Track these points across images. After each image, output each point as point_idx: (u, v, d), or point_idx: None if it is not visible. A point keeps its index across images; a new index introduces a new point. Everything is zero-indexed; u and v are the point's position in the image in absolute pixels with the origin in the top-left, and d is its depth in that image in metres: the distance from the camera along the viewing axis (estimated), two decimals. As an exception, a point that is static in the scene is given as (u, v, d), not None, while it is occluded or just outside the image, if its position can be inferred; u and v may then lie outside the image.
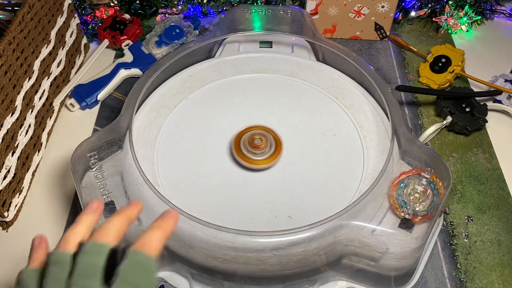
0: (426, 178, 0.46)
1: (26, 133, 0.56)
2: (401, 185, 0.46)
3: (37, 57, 0.57)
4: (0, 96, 0.49)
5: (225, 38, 0.64)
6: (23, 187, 0.56)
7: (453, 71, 0.68)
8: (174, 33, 0.72)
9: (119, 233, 0.30)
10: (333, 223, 0.43)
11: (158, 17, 0.79)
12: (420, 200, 0.45)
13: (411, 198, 0.45)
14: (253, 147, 0.49)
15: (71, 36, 0.67)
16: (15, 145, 0.53)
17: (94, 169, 0.48)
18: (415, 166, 0.48)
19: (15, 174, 0.53)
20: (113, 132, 0.51)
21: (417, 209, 0.45)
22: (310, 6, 0.73)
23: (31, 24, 0.55)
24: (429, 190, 0.46)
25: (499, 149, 0.62)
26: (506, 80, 0.66)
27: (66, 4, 0.65)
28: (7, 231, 0.54)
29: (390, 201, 0.46)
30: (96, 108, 0.67)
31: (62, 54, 0.65)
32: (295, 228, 0.42)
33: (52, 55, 0.62)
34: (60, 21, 0.64)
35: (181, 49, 0.60)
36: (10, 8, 0.62)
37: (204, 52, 0.64)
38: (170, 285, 0.50)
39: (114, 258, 0.28)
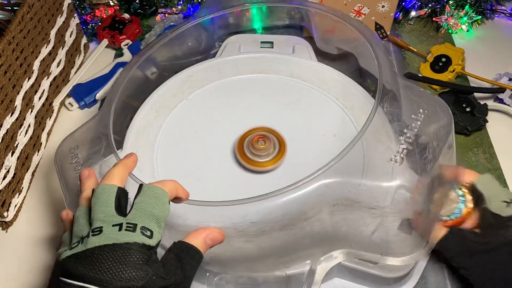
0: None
1: (26, 133, 0.56)
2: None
3: (36, 57, 0.57)
4: (0, 96, 0.49)
5: (225, 38, 0.64)
6: (22, 187, 0.56)
7: (453, 70, 0.68)
8: (174, 33, 0.72)
9: (122, 178, 0.36)
10: (318, 179, 0.42)
11: (158, 17, 0.79)
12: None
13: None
14: (257, 149, 0.49)
15: (70, 36, 0.67)
16: (15, 145, 0.53)
17: (74, 162, 0.48)
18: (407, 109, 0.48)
19: (14, 174, 0.53)
20: (97, 127, 0.51)
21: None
22: (310, 5, 0.72)
23: (30, 24, 0.55)
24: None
25: (499, 149, 0.62)
26: (510, 79, 0.66)
27: (65, 4, 0.65)
28: (6, 231, 0.54)
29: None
30: (96, 107, 0.67)
31: (61, 53, 0.64)
32: (281, 189, 0.41)
33: (52, 55, 0.62)
34: (60, 21, 0.64)
35: (167, 33, 0.59)
36: (9, 8, 0.62)
37: (204, 52, 0.63)
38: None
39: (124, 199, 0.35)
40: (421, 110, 0.47)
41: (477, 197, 0.44)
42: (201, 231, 0.37)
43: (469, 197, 0.45)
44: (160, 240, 0.34)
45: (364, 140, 0.47)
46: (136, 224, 0.32)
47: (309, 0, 0.63)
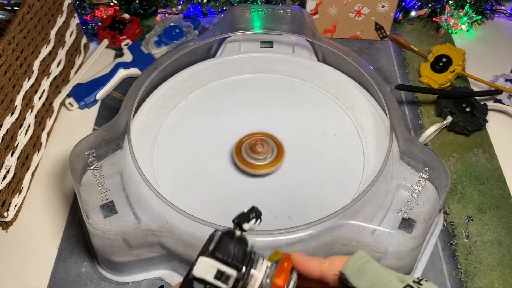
0: None
1: (26, 133, 0.56)
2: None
3: (36, 57, 0.57)
4: (0, 96, 0.49)
5: (225, 38, 0.64)
6: (22, 187, 0.56)
7: (453, 71, 0.68)
8: (173, 33, 0.72)
9: None
10: (331, 222, 0.43)
11: (158, 17, 0.79)
12: None
13: None
14: (255, 153, 0.49)
15: (70, 36, 0.67)
16: (15, 145, 0.53)
17: (92, 167, 0.48)
18: (414, 166, 0.48)
19: (14, 174, 0.53)
20: (112, 131, 0.51)
21: None
22: (310, 5, 0.73)
23: (30, 24, 0.55)
24: None
25: (499, 149, 0.62)
26: (506, 80, 0.66)
27: (65, 4, 0.65)
28: (6, 231, 0.54)
29: None
30: (96, 108, 0.67)
31: (61, 54, 0.65)
32: (293, 227, 0.42)
33: (52, 55, 0.62)
34: (60, 21, 0.64)
35: (180, 48, 0.60)
36: (9, 8, 0.62)
37: (203, 52, 0.63)
38: (169, 284, 0.50)
39: None
40: (426, 169, 0.47)
41: None
42: None
43: None
44: None
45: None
46: None
47: (322, 37, 0.64)
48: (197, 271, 0.29)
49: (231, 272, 0.29)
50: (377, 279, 0.28)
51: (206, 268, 0.29)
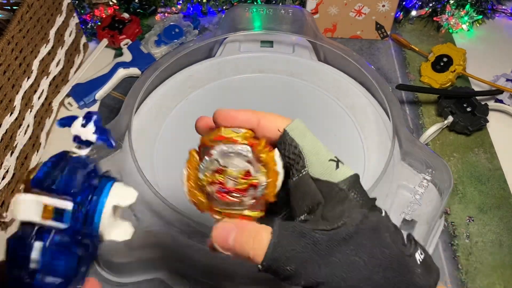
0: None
1: (25, 133, 0.56)
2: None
3: (36, 57, 0.57)
4: (-1, 96, 0.49)
5: (225, 38, 0.64)
6: (21, 188, 0.56)
7: (454, 71, 0.67)
8: (173, 33, 0.72)
9: None
10: None
11: (158, 17, 0.79)
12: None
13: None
14: (221, 195, 0.27)
15: (70, 36, 0.67)
16: (14, 145, 0.53)
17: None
18: (416, 167, 0.48)
19: (13, 174, 0.53)
20: (113, 132, 0.50)
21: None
22: (310, 5, 0.72)
23: (30, 24, 0.55)
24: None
25: (500, 149, 0.62)
26: (507, 80, 0.66)
27: (65, 4, 0.65)
28: (5, 232, 0.54)
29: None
30: (95, 107, 0.66)
31: (61, 53, 0.64)
32: None
33: (51, 54, 0.61)
34: (59, 20, 0.63)
35: (181, 49, 0.59)
36: (9, 8, 0.61)
37: (204, 52, 0.63)
38: (169, 285, 0.49)
39: None
40: (429, 170, 0.47)
41: (288, 156, 0.28)
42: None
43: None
44: None
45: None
46: None
47: (324, 37, 0.64)
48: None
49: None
50: (316, 144, 0.28)
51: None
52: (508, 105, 0.65)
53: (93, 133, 0.25)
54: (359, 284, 0.24)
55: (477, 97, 0.64)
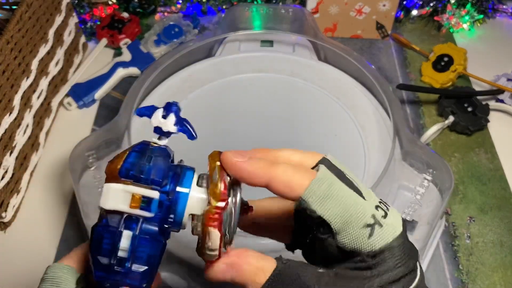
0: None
1: (24, 133, 0.55)
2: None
3: (35, 56, 0.57)
4: (-2, 95, 0.49)
5: (225, 37, 0.64)
6: (21, 188, 0.55)
7: (455, 70, 0.67)
8: (173, 32, 0.72)
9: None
10: None
11: (157, 16, 0.79)
12: None
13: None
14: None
15: (69, 35, 0.67)
16: (13, 145, 0.53)
17: (92, 169, 0.47)
18: (417, 168, 0.48)
19: (13, 174, 0.53)
20: (112, 132, 0.50)
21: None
22: (310, 4, 0.72)
23: (29, 23, 0.55)
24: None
25: (501, 149, 0.61)
26: (508, 79, 0.66)
27: (64, 3, 0.65)
28: (5, 232, 0.54)
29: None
30: (95, 107, 0.66)
31: (60, 53, 0.64)
32: None
33: (50, 54, 0.61)
34: (58, 20, 0.63)
35: (181, 48, 0.59)
36: (8, 7, 0.61)
37: (204, 51, 0.63)
38: (169, 286, 0.49)
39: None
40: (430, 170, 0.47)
41: (311, 223, 0.24)
42: None
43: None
44: None
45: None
46: None
47: (324, 37, 0.63)
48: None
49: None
50: (346, 204, 0.23)
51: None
52: (509, 105, 0.64)
53: (174, 124, 0.26)
54: None
55: (478, 97, 0.63)
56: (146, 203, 0.23)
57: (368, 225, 0.22)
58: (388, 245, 0.22)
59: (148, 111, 0.26)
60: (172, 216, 0.24)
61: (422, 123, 0.64)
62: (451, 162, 0.60)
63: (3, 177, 0.51)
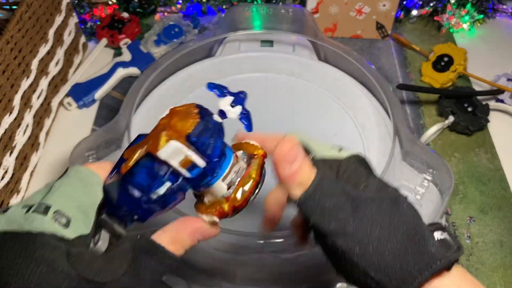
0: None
1: (24, 133, 0.55)
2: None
3: (35, 56, 0.57)
4: (-2, 95, 0.49)
5: (225, 37, 0.64)
6: (21, 188, 0.55)
7: (455, 70, 0.67)
8: (173, 32, 0.72)
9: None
10: None
11: (157, 16, 0.79)
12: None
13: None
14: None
15: (69, 35, 0.67)
16: (13, 145, 0.53)
17: None
18: (417, 168, 0.48)
19: (13, 174, 0.53)
20: (112, 132, 0.50)
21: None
22: (311, 4, 0.72)
23: (29, 23, 0.55)
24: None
25: (501, 149, 0.61)
26: (508, 79, 0.66)
27: (64, 3, 0.65)
28: (5, 232, 0.54)
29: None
30: (95, 107, 0.66)
31: (60, 53, 0.64)
32: None
33: (50, 54, 0.61)
34: (58, 20, 0.63)
35: (181, 48, 0.59)
36: (8, 7, 0.61)
37: (204, 51, 0.63)
38: (169, 286, 0.49)
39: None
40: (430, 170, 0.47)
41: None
42: (190, 223, 0.28)
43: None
44: (89, 233, 0.25)
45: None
46: (48, 207, 0.24)
47: (324, 37, 0.63)
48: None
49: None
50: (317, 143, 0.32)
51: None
52: (509, 105, 0.64)
53: (239, 115, 0.30)
54: (379, 242, 0.26)
55: (478, 97, 0.63)
56: (192, 167, 0.26)
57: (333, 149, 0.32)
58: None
59: (219, 91, 0.30)
60: (203, 184, 0.28)
61: (422, 123, 0.64)
62: (451, 162, 0.60)
63: (3, 177, 0.51)
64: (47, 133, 0.62)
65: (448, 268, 0.26)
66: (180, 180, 0.26)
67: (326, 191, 0.27)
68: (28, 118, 0.56)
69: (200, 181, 0.27)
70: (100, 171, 0.27)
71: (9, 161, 0.52)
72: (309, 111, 0.56)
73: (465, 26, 0.77)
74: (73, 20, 0.68)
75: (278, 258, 0.43)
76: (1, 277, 0.22)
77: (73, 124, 0.64)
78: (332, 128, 0.54)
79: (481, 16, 0.78)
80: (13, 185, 0.53)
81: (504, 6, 0.80)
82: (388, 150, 0.49)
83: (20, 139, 0.54)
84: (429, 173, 0.46)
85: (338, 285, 0.49)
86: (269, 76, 0.60)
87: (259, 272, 0.45)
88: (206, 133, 0.26)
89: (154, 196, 0.26)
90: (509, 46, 0.75)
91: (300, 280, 0.47)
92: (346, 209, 0.27)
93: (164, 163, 0.26)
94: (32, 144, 0.58)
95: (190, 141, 0.25)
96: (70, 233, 0.24)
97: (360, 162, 0.31)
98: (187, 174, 0.26)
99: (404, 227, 0.26)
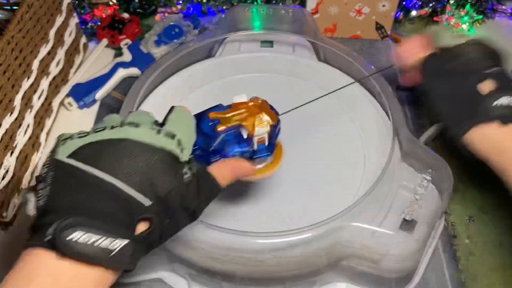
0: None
1: (25, 133, 0.56)
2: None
3: (35, 57, 0.57)
4: (-2, 96, 0.49)
5: (225, 38, 0.64)
6: (21, 188, 0.55)
7: (454, 71, 0.67)
8: (173, 33, 0.72)
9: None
10: (333, 224, 0.43)
11: (157, 16, 0.79)
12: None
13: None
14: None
15: (70, 36, 0.67)
16: (14, 145, 0.53)
17: None
18: (416, 168, 0.48)
19: (13, 174, 0.53)
20: None
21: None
22: (310, 5, 0.72)
23: (29, 24, 0.55)
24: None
25: (500, 149, 0.61)
26: (507, 80, 0.66)
27: (65, 3, 0.65)
28: (6, 231, 0.54)
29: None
30: (95, 108, 0.66)
31: (61, 53, 0.64)
32: (295, 229, 0.42)
33: (51, 54, 0.61)
34: (59, 20, 0.63)
35: (181, 49, 0.59)
36: (9, 8, 0.61)
37: (204, 52, 0.63)
38: (169, 286, 0.49)
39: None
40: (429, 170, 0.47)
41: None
42: (231, 162, 0.37)
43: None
44: (188, 161, 0.33)
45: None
46: (174, 135, 0.32)
47: (324, 37, 0.63)
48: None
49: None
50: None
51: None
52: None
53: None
54: (444, 101, 0.48)
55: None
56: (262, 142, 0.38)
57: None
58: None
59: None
60: (250, 150, 0.38)
61: (422, 123, 0.64)
62: (450, 162, 0.60)
63: (4, 177, 0.51)
64: (47, 133, 0.62)
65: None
66: (249, 148, 0.37)
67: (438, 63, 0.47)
68: (29, 118, 0.56)
69: (256, 153, 0.38)
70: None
71: (10, 161, 0.52)
72: (309, 111, 0.56)
73: (464, 26, 0.77)
74: (74, 20, 0.68)
75: (278, 258, 0.43)
76: (124, 171, 0.29)
77: (73, 124, 0.65)
78: (332, 128, 0.55)
79: (481, 16, 0.78)
80: (14, 185, 0.53)
81: (503, 7, 0.80)
82: (387, 150, 0.49)
83: (21, 139, 0.55)
84: (429, 173, 0.47)
85: (338, 285, 0.49)
86: (269, 77, 0.60)
87: (259, 272, 0.45)
88: (276, 128, 0.39)
89: (232, 154, 0.37)
90: (508, 46, 0.75)
91: (300, 280, 0.47)
92: (436, 76, 0.47)
93: (251, 135, 0.37)
94: (33, 144, 0.58)
95: (272, 129, 0.38)
96: (184, 157, 0.32)
97: (473, 47, 0.53)
98: (255, 147, 0.38)
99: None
